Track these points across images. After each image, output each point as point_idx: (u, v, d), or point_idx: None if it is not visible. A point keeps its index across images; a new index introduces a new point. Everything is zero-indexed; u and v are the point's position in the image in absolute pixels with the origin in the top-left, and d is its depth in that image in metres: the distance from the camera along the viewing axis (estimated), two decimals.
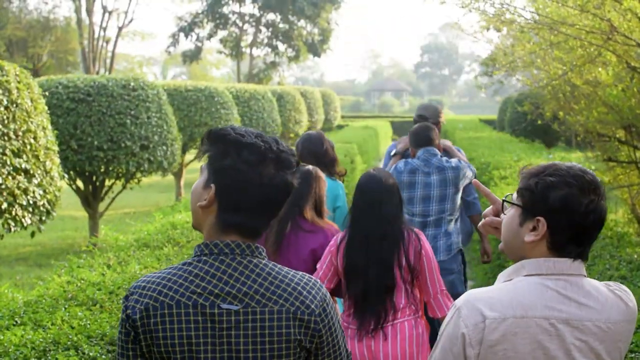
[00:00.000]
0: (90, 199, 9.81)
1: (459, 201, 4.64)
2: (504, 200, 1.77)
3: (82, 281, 4.20)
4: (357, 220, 3.23)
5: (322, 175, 3.64)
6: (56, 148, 6.38)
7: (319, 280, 1.77)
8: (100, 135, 8.89)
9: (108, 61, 34.55)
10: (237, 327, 1.62)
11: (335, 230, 3.49)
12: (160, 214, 6.45)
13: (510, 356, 1.60)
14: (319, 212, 3.54)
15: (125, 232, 6.14)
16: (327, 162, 4.29)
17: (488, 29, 7.18)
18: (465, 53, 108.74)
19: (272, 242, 3.42)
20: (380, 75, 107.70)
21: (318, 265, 3.34)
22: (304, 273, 1.76)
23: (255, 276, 1.65)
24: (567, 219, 1.62)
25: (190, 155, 15.70)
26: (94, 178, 9.64)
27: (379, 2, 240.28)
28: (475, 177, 4.74)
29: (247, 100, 16.96)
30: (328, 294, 1.75)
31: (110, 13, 33.92)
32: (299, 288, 1.68)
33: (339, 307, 3.61)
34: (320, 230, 3.46)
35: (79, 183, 9.76)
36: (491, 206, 1.91)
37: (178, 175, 14.23)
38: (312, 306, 1.67)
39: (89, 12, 32.50)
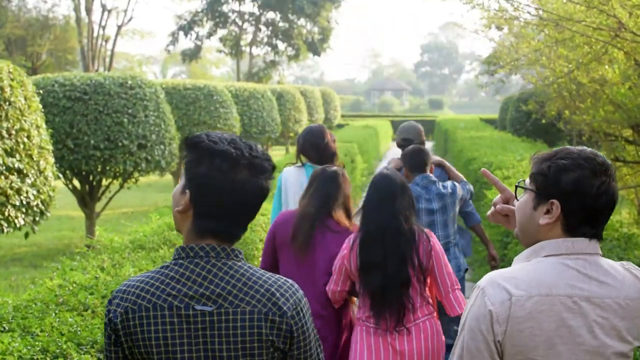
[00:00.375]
0: (87, 198, 9.68)
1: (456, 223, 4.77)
2: (517, 186, 1.79)
3: (75, 285, 4.07)
4: (371, 216, 3.27)
5: (347, 176, 3.68)
6: (50, 147, 6.24)
7: (295, 284, 1.79)
8: (97, 134, 8.76)
9: (107, 60, 34.43)
10: (212, 327, 1.67)
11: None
12: (156, 214, 6.31)
13: (536, 334, 1.61)
14: (347, 212, 3.57)
15: (122, 233, 6.02)
16: (328, 155, 4.28)
17: (490, 27, 7.06)
18: (466, 52, 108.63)
19: (300, 242, 3.45)
20: (380, 74, 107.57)
21: (332, 269, 3.38)
22: (280, 276, 1.79)
23: (229, 278, 1.70)
24: (579, 200, 1.65)
25: None
26: (91, 178, 9.50)
27: (379, 1, 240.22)
28: (471, 194, 4.86)
29: (246, 99, 16.82)
30: (304, 299, 1.78)
31: (109, 11, 33.81)
32: (272, 290, 1.72)
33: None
34: (346, 231, 3.46)
35: (76, 183, 9.62)
36: (500, 195, 1.93)
37: (177, 174, 14.08)
38: (285, 308, 1.71)
39: (88, 10, 32.38)
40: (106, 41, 34.62)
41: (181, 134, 12.91)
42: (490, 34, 10.60)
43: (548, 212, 1.68)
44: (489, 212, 1.91)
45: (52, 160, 6.20)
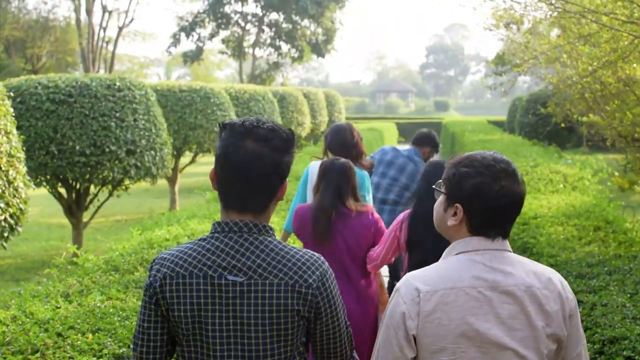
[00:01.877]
0: (74, 207, 9.12)
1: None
2: (434, 188, 1.96)
3: (30, 317, 3.51)
4: (420, 200, 3.62)
5: (352, 165, 3.91)
6: (22, 155, 5.67)
7: (321, 257, 1.90)
8: (83, 140, 8.20)
9: (109, 61, 33.94)
10: (242, 297, 1.79)
11: (372, 208, 3.85)
12: (138, 229, 5.75)
13: (444, 324, 1.75)
14: (355, 198, 3.84)
15: (107, 241, 5.48)
16: (355, 153, 4.46)
17: (499, 26, 6.49)
18: (471, 54, 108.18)
19: (320, 233, 3.69)
20: (385, 76, 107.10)
21: (382, 240, 3.71)
22: (308, 250, 1.90)
23: (260, 252, 1.82)
24: (480, 204, 1.81)
25: (185, 158, 14.97)
26: (77, 185, 8.95)
27: (383, 2, 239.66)
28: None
29: (246, 101, 16.26)
30: (329, 271, 1.89)
31: (110, 13, 33.32)
32: (299, 264, 1.83)
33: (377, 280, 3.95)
34: (362, 213, 3.77)
35: (61, 190, 9.06)
36: None
37: (172, 180, 13.51)
38: (310, 280, 1.82)
39: (89, 12, 31.91)
40: (107, 43, 34.13)
41: (176, 138, 12.35)
42: (499, 33, 10.00)
43: (455, 214, 1.85)
44: None
45: (23, 169, 5.64)
